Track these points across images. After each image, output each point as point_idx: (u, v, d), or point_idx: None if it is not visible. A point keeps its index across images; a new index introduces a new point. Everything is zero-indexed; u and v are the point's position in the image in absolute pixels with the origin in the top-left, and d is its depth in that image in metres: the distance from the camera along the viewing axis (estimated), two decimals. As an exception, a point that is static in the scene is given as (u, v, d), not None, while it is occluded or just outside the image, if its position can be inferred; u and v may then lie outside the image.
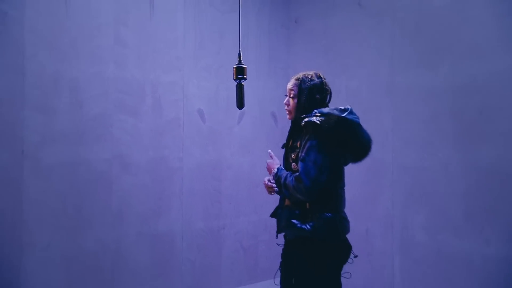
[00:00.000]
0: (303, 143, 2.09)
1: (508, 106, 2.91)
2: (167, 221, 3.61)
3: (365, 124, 2.24)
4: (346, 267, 2.24)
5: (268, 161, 2.30)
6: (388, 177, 3.57)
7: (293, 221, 2.10)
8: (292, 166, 2.17)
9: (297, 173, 2.07)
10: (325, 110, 2.08)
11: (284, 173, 2.17)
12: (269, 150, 2.34)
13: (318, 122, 2.01)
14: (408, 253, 3.45)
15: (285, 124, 4.33)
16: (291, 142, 2.23)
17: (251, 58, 4.14)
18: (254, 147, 4.18)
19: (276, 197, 2.37)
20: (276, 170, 2.22)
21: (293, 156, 2.16)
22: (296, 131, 2.20)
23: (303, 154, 2.06)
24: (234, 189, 4.03)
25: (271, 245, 4.25)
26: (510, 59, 2.90)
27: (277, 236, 2.33)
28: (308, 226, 2.06)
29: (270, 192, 2.29)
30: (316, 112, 2.07)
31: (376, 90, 3.69)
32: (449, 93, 3.21)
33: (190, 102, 3.76)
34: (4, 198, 2.86)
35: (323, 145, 2.04)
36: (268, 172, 2.31)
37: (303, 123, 2.07)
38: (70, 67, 3.13)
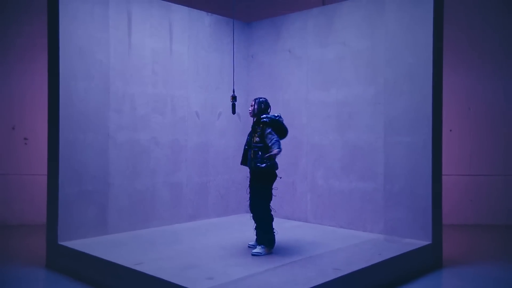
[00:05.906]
0: (264, 130, 4.63)
1: (361, 112, 5.76)
2: (178, 176, 6.19)
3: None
4: (280, 194, 4.94)
5: (272, 153, 4.60)
6: (304, 150, 6.36)
7: (258, 164, 4.70)
8: (254, 141, 4.74)
9: (271, 143, 4.54)
10: (270, 116, 4.74)
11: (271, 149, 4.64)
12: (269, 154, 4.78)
13: (268, 121, 4.67)
14: (314, 191, 6.26)
15: (246, 121, 7.03)
16: (255, 129, 4.84)
17: (226, 79, 6.78)
18: (227, 134, 6.83)
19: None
20: (276, 151, 4.59)
21: (257, 135, 4.74)
22: (257, 124, 4.80)
23: (267, 133, 4.61)
24: (215, 159, 6.66)
25: (236, 194, 6.94)
26: (362, 89, 5.75)
27: (248, 166, 4.86)
28: (264, 165, 4.70)
29: (275, 157, 4.80)
30: (266, 116, 4.72)
31: (298, 101, 6.45)
32: (335, 105, 6.03)
33: (191, 107, 6.35)
34: (100, 160, 5.36)
35: (272, 130, 4.68)
36: (274, 156, 4.63)
37: (262, 121, 4.70)
38: (130, 87, 5.63)
